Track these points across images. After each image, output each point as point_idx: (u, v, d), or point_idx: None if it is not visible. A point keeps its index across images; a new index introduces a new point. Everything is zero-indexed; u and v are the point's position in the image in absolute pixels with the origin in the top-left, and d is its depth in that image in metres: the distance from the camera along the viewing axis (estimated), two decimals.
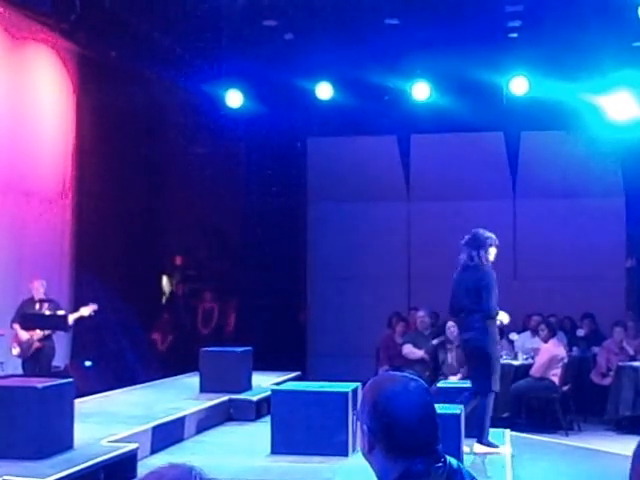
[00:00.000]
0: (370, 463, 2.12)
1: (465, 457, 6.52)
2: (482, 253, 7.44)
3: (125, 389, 9.51)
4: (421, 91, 12.04)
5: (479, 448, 7.29)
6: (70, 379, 6.75)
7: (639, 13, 9.22)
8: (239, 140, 13.77)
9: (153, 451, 7.06)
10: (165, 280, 13.84)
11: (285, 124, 12.91)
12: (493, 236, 7.51)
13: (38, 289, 9.54)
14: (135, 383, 9.89)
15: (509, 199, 13.59)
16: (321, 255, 13.91)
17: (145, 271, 12.86)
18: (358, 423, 2.15)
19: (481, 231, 7.57)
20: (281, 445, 6.96)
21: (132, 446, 6.36)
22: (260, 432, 7.64)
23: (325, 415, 6.81)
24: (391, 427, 2.02)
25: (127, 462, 6.23)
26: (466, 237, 7.56)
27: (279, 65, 11.64)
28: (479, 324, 7.22)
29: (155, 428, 7.26)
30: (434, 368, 10.73)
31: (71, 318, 9.55)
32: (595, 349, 11.70)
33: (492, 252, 7.50)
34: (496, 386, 7.38)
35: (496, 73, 11.43)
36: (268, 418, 7.48)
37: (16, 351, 9.46)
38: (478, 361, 7.30)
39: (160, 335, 12.73)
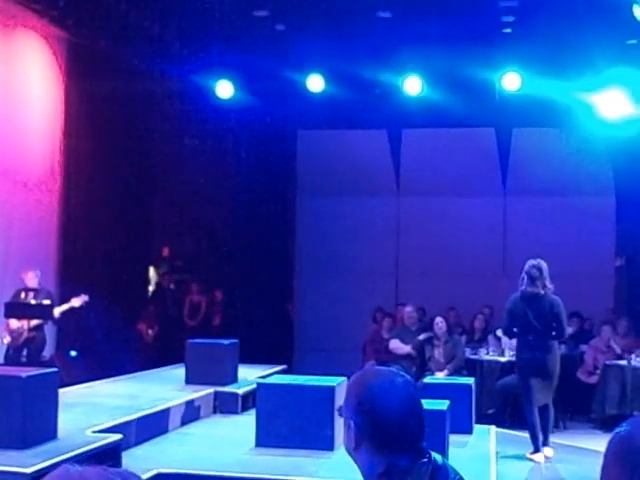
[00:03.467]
0: (354, 459, 2.11)
1: (450, 453, 6.50)
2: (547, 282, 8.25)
3: (110, 380, 9.45)
4: (413, 85, 11.99)
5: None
6: (55, 369, 6.69)
7: (633, 11, 9.20)
8: (228, 132, 13.69)
9: (137, 442, 7.02)
10: (152, 271, 13.76)
11: (275, 116, 12.84)
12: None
13: (32, 279, 9.49)
14: (120, 374, 9.83)
15: (499, 196, 13.57)
16: (309, 249, 13.86)
17: (132, 261, 12.79)
18: (342, 419, 2.12)
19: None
20: (266, 438, 6.93)
21: (116, 437, 6.31)
22: (245, 425, 7.61)
23: (310, 409, 6.77)
24: (378, 423, 2.01)
25: (111, 453, 6.17)
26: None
27: (270, 56, 11.56)
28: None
29: (140, 419, 7.22)
30: (421, 364, 10.72)
31: (62, 309, 9.48)
32: (583, 347, 11.71)
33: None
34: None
35: (489, 69, 11.39)
36: (253, 411, 7.45)
37: (7, 340, 9.40)
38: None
39: (145, 326, 12.66)
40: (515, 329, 8.34)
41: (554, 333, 8.16)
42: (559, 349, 8.44)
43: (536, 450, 8.15)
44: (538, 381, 8.16)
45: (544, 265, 8.20)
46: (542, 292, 8.10)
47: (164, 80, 12.19)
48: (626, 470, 1.16)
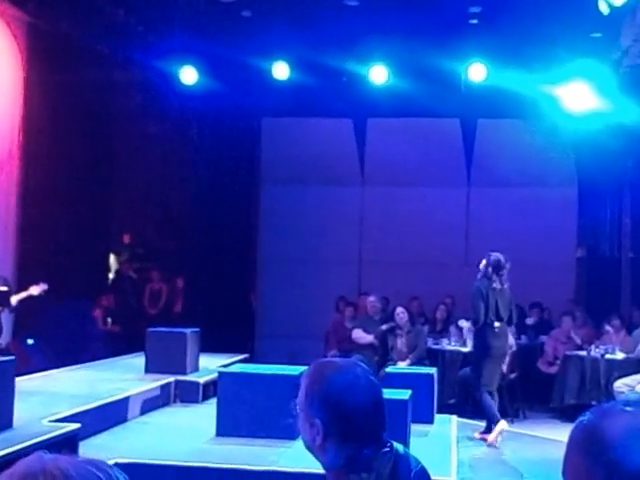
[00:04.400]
0: (317, 455, 2.06)
1: (411, 442, 6.51)
2: None
3: (68, 368, 9.33)
4: (379, 75, 11.94)
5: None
6: (11, 357, 6.58)
7: (598, 4, 9.23)
8: (192, 118, 13.53)
9: (96, 432, 6.93)
10: (112, 258, 13.59)
11: (240, 103, 12.71)
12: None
13: None
14: (79, 363, 9.70)
15: (463, 186, 13.62)
16: (272, 237, 13.79)
17: (92, 248, 12.61)
18: (302, 416, 2.06)
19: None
20: (226, 427, 6.89)
21: (74, 426, 6.23)
22: (206, 414, 7.56)
23: (272, 398, 6.73)
24: (345, 418, 1.99)
25: (68, 442, 6.08)
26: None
27: (235, 43, 11.43)
28: None
29: (98, 408, 7.13)
30: (383, 353, 10.73)
31: (19, 297, 9.29)
32: (543, 338, 11.81)
33: None
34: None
35: (455, 59, 11.37)
36: (214, 400, 7.40)
37: None
38: None
39: (102, 314, 12.49)
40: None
41: (507, 321, 8.80)
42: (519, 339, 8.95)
43: (490, 431, 8.50)
44: (500, 367, 8.83)
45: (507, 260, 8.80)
46: (506, 285, 8.67)
47: (127, 65, 12.01)
48: (589, 459, 1.15)
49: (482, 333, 8.65)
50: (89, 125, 12.41)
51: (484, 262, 8.72)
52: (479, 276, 8.72)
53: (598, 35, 10.71)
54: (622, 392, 9.43)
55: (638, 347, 10.44)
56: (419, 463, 2.12)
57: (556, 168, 12.99)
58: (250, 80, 12.28)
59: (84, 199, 12.37)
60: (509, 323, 8.90)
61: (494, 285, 8.62)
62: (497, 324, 8.60)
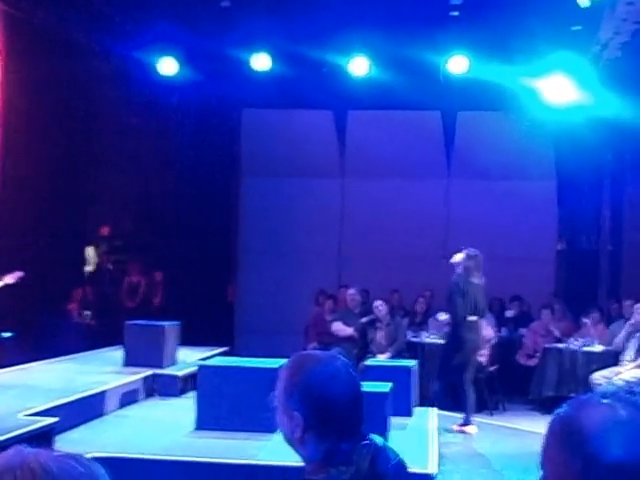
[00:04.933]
0: (296, 448, 2.05)
1: (390, 435, 6.49)
2: None
3: (45, 362, 9.24)
4: (359, 66, 11.90)
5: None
6: None
7: None
8: (172, 109, 13.41)
9: (73, 425, 6.87)
10: (90, 251, 13.45)
11: (220, 94, 12.62)
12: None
13: None
14: (57, 356, 9.60)
15: (443, 179, 13.62)
16: (252, 230, 13.73)
17: (69, 240, 12.48)
18: (280, 408, 2.04)
19: None
20: (206, 421, 6.85)
21: (50, 420, 6.16)
22: (184, 408, 7.52)
23: (252, 391, 6.68)
24: (325, 411, 1.98)
25: (45, 436, 6.02)
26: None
27: (215, 33, 11.34)
28: None
29: (75, 402, 7.06)
30: (363, 346, 10.71)
31: None
32: (522, 330, 11.84)
33: None
34: None
35: (436, 51, 11.36)
36: (193, 394, 7.34)
37: None
38: None
39: (77, 307, 12.36)
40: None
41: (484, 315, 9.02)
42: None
43: (468, 423, 8.65)
44: (475, 360, 8.95)
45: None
46: (481, 281, 8.75)
47: (106, 56, 11.88)
48: (567, 451, 1.15)
49: (457, 327, 8.74)
50: (67, 116, 12.27)
51: (463, 257, 8.73)
52: (459, 270, 8.71)
53: (578, 28, 10.72)
54: (600, 384, 9.48)
55: (616, 340, 10.49)
56: (397, 456, 2.11)
57: (536, 161, 13.01)
58: (230, 71, 12.20)
59: (62, 190, 12.24)
60: (482, 316, 9.05)
61: (474, 280, 8.63)
62: (472, 318, 8.69)
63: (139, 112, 13.31)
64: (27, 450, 1.06)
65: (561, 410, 1.20)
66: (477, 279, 8.70)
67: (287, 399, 2.02)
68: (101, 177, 13.45)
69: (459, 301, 8.64)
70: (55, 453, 1.06)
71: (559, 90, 11.01)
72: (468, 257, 8.70)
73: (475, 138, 12.97)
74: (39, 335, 10.68)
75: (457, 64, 11.59)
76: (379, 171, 13.38)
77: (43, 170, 11.64)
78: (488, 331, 10.76)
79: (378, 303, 10.73)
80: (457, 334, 8.75)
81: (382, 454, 2.05)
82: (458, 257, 8.77)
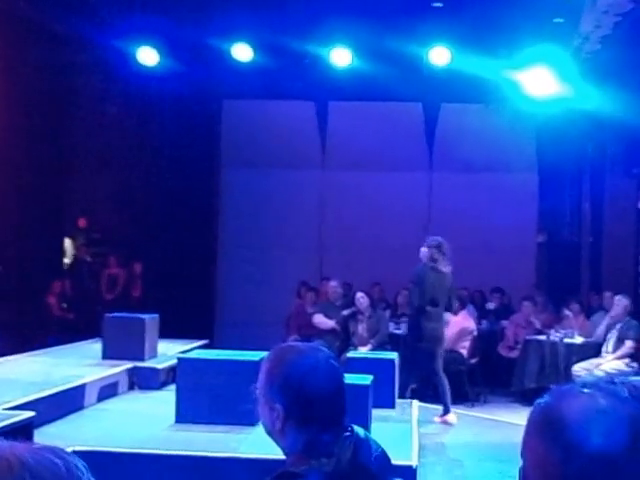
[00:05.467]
0: (277, 439, 2.05)
1: (373, 427, 6.47)
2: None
3: (23, 355, 9.13)
4: (341, 57, 11.83)
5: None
6: None
7: None
8: (152, 100, 13.28)
9: (51, 419, 6.78)
10: (68, 243, 13.32)
11: (200, 85, 12.51)
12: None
13: None
14: (34, 349, 9.49)
15: (425, 171, 13.59)
16: (232, 221, 13.65)
17: (46, 232, 12.35)
18: (262, 400, 2.03)
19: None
20: (186, 414, 6.78)
21: (28, 414, 6.06)
22: (164, 401, 7.45)
23: (232, 384, 6.63)
24: (306, 402, 1.97)
25: (23, 430, 5.93)
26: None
27: (196, 23, 11.23)
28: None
29: (53, 395, 6.97)
30: (344, 339, 10.69)
31: None
32: (504, 322, 11.86)
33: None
34: None
35: (418, 43, 11.31)
36: (173, 387, 7.29)
37: None
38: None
39: (55, 300, 12.24)
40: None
41: (446, 306, 9.02)
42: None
43: (448, 411, 8.74)
44: (441, 349, 8.92)
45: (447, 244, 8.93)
46: (447, 270, 8.77)
47: (86, 45, 11.73)
48: (547, 441, 1.15)
49: (417, 317, 8.84)
50: (45, 107, 12.13)
51: (426, 247, 8.75)
52: (424, 260, 8.74)
53: (560, 21, 10.72)
54: (581, 376, 9.51)
55: (597, 331, 10.53)
56: (379, 447, 2.11)
57: (518, 153, 13.03)
58: (211, 61, 12.09)
59: (39, 182, 12.11)
60: (448, 309, 9.04)
61: (440, 268, 8.62)
62: (429, 308, 8.73)
63: (118, 102, 13.18)
64: (2, 443, 1.04)
65: (542, 400, 1.20)
66: (444, 267, 8.70)
67: (268, 391, 2.02)
68: (79, 168, 13.32)
69: (416, 291, 8.79)
70: (31, 445, 1.04)
71: (540, 82, 11.00)
72: (428, 246, 8.77)
73: (457, 130, 12.95)
74: (17, 328, 10.57)
75: (439, 55, 11.55)
76: (361, 163, 13.34)
77: (20, 162, 11.50)
78: (470, 323, 10.78)
79: (360, 295, 10.71)
80: (416, 324, 8.87)
81: (364, 445, 2.05)
82: (423, 248, 8.86)
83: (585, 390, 1.18)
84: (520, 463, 1.19)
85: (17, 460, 1.00)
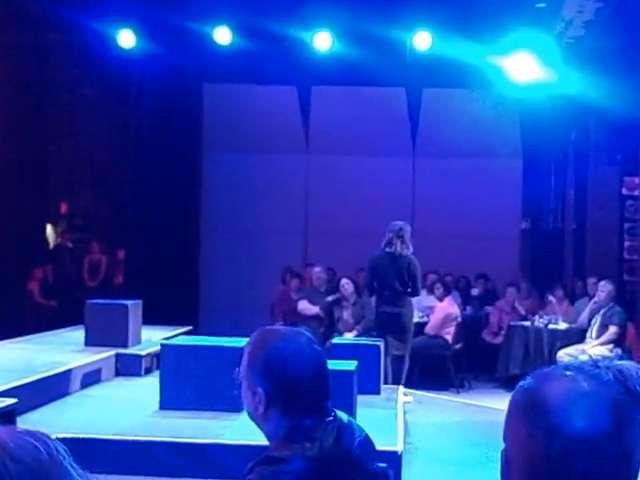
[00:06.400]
0: (259, 424, 2.03)
1: (357, 413, 6.45)
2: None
3: (4, 342, 9.04)
4: (323, 41, 11.74)
5: None
6: None
7: None
8: (131, 83, 13.13)
9: (34, 406, 6.72)
10: (49, 229, 13.21)
11: (180, 68, 12.37)
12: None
13: None
14: (16, 336, 9.41)
15: (408, 156, 13.56)
16: (215, 207, 13.57)
17: (27, 217, 12.23)
18: (244, 384, 2.01)
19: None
20: (170, 400, 6.74)
21: (10, 401, 6.01)
22: (148, 387, 7.41)
23: (216, 370, 6.59)
24: (289, 387, 1.96)
25: (5, 418, 5.87)
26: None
27: (176, 5, 11.12)
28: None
29: (36, 382, 6.91)
30: (329, 325, 10.67)
31: None
32: (488, 308, 11.88)
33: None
34: None
35: (400, 27, 11.25)
36: (157, 373, 7.24)
37: None
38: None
39: (37, 286, 12.14)
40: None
41: (409, 290, 8.87)
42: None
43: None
44: (393, 334, 8.81)
45: (409, 227, 8.93)
46: (405, 252, 8.74)
47: (63, 27, 11.58)
48: (529, 423, 1.15)
49: (376, 301, 9.02)
50: (22, 88, 11.97)
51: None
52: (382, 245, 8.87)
53: (542, 6, 10.69)
54: (564, 362, 9.53)
55: (581, 317, 10.56)
56: (363, 432, 2.11)
57: (502, 139, 13.01)
58: (191, 45, 11.95)
59: (18, 167, 11.96)
60: (414, 293, 8.97)
61: (398, 252, 8.69)
62: (387, 293, 8.79)
63: (98, 86, 13.04)
64: None
65: (524, 382, 1.21)
66: (402, 251, 8.71)
67: (250, 374, 2.00)
68: (59, 153, 13.18)
69: (369, 275, 8.96)
70: (12, 429, 1.02)
71: (524, 68, 10.97)
72: (389, 230, 8.83)
73: (440, 115, 12.91)
74: None
75: (422, 40, 11.50)
76: (344, 148, 13.29)
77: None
78: (454, 309, 10.79)
79: (344, 281, 10.69)
80: (376, 308, 9.04)
81: (347, 430, 2.04)
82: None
83: (567, 373, 1.18)
84: (502, 446, 1.19)
85: None
